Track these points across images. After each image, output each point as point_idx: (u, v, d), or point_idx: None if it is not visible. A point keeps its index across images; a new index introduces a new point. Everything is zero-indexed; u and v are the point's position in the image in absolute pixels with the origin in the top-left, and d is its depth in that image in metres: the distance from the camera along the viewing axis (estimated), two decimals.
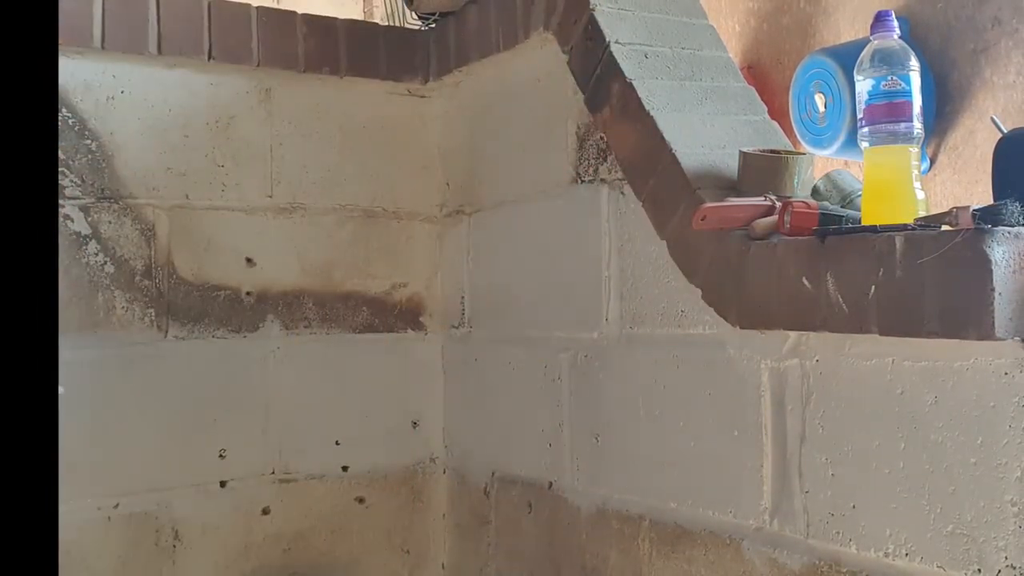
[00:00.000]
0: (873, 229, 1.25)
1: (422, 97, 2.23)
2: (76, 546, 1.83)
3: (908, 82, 1.35)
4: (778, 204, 1.41)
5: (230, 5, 2.00)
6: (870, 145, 1.38)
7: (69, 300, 1.86)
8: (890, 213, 1.32)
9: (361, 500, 2.13)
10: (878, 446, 1.28)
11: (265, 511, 2.03)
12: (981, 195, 2.23)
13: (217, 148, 2.02)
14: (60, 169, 1.85)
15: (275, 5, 2.70)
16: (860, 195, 1.47)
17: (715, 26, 1.82)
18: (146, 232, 1.94)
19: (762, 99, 1.76)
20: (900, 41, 1.37)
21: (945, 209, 1.22)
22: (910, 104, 1.35)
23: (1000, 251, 1.10)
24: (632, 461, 1.69)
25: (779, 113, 2.36)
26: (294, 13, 2.09)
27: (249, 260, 2.04)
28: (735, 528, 1.49)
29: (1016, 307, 1.10)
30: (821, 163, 2.44)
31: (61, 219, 1.85)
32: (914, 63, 1.36)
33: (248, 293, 2.04)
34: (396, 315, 2.19)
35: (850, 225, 1.34)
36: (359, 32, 2.15)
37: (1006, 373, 1.13)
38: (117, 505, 1.89)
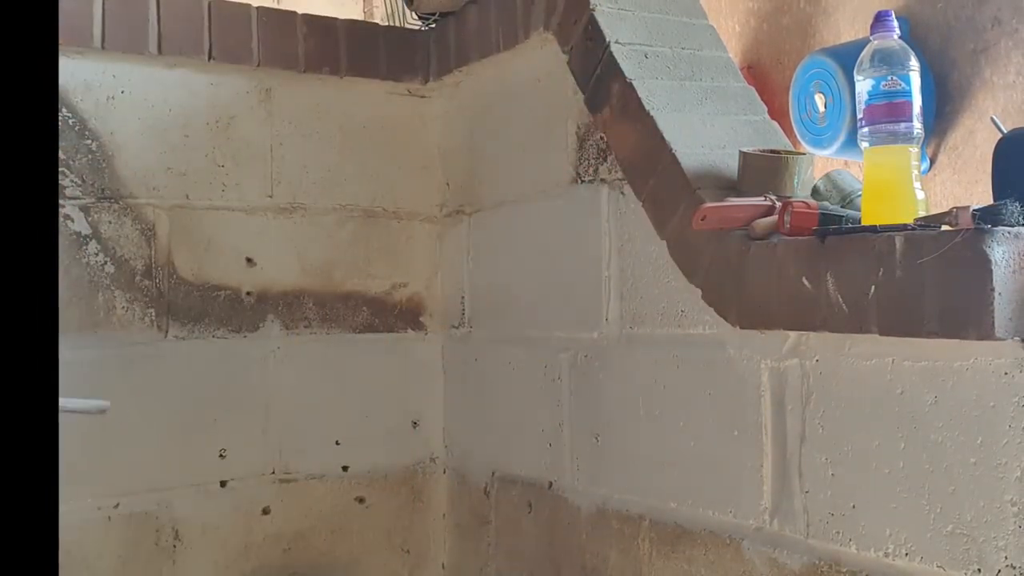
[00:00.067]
0: (873, 229, 1.25)
1: (422, 97, 2.23)
2: (76, 546, 1.83)
3: (908, 82, 1.35)
4: (778, 204, 1.41)
5: (230, 5, 2.00)
6: (870, 145, 1.38)
7: (69, 300, 1.86)
8: (890, 213, 1.32)
9: (361, 500, 2.13)
10: (878, 446, 1.28)
11: (265, 511, 2.03)
12: (981, 195, 2.23)
13: (217, 148, 2.02)
14: (60, 169, 1.85)
15: (275, 5, 2.70)
16: (860, 195, 1.47)
17: (715, 26, 1.82)
18: (146, 232, 1.94)
19: (762, 99, 1.76)
20: (900, 41, 1.37)
21: (945, 209, 1.22)
22: (910, 104, 1.35)
23: (1000, 251, 1.10)
24: (632, 461, 1.69)
25: (779, 113, 2.36)
26: (294, 13, 2.09)
27: (249, 260, 2.04)
28: (735, 528, 1.49)
29: (1016, 307, 1.10)
30: (821, 163, 2.44)
31: (61, 219, 1.85)
32: (914, 63, 1.36)
33: (248, 293, 2.04)
34: (396, 315, 2.19)
35: (850, 225, 1.34)
36: (359, 32, 2.15)
37: (1006, 373, 1.13)
38: (117, 505, 1.89)
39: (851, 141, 2.36)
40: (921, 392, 1.23)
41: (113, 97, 1.92)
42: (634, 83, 1.64)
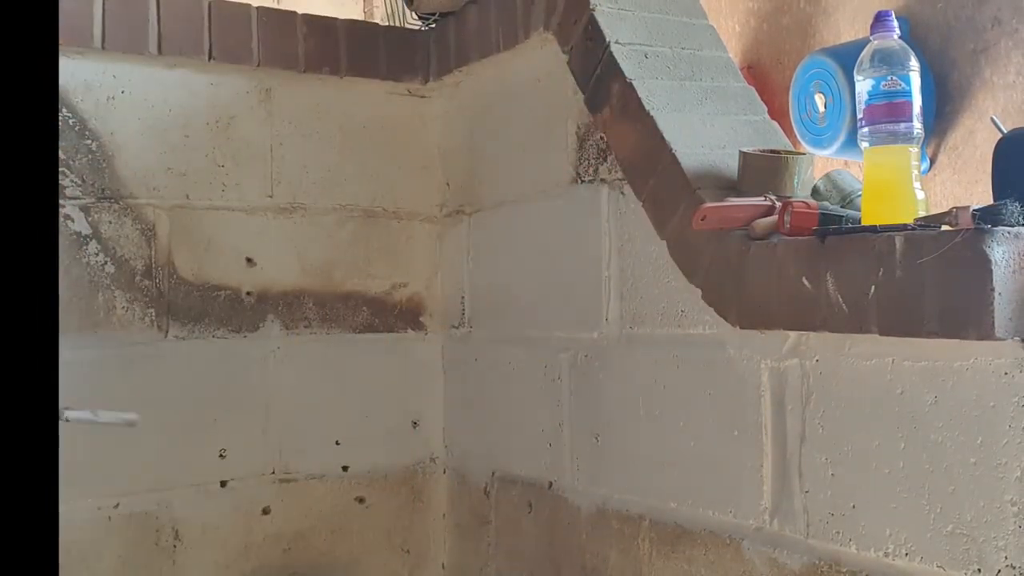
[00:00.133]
0: (873, 229, 1.25)
1: (422, 97, 2.23)
2: (76, 546, 1.83)
3: (908, 82, 1.35)
4: (778, 204, 1.41)
5: (230, 5, 2.00)
6: (870, 145, 1.38)
7: (69, 300, 1.86)
8: (890, 213, 1.32)
9: (361, 500, 2.13)
10: (878, 446, 1.28)
11: (265, 511, 2.03)
12: (981, 195, 2.23)
13: (217, 148, 2.02)
14: (61, 169, 1.85)
15: (275, 5, 2.70)
16: (860, 195, 1.47)
17: (715, 26, 1.82)
18: (146, 232, 1.94)
19: (762, 99, 1.76)
20: (900, 41, 1.37)
21: (945, 209, 1.22)
22: (910, 104, 1.35)
23: (1000, 251, 1.10)
24: (632, 461, 1.69)
25: (779, 113, 2.36)
26: (294, 13, 2.09)
27: (249, 260, 2.04)
28: (735, 528, 1.49)
29: (1016, 307, 1.10)
30: (821, 163, 2.44)
31: (61, 219, 1.85)
32: (914, 63, 1.36)
33: (248, 293, 2.04)
34: (396, 315, 2.19)
35: (850, 225, 1.34)
36: (359, 32, 2.15)
37: (1006, 373, 1.13)
38: (117, 505, 1.89)
39: (851, 141, 2.36)
40: (921, 392, 1.23)
41: (113, 97, 1.92)
42: (634, 83, 1.64)
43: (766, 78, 2.88)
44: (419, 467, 2.20)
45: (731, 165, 1.57)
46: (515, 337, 1.99)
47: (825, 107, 2.53)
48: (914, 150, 1.36)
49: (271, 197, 2.07)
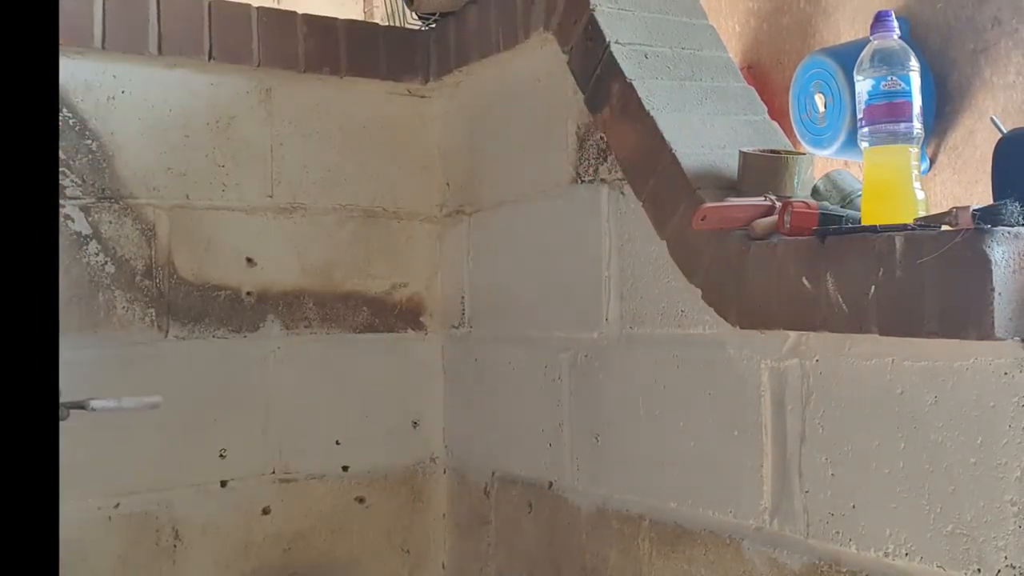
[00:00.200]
0: (873, 229, 1.25)
1: (422, 97, 2.23)
2: (76, 546, 1.83)
3: (908, 82, 1.35)
4: (778, 204, 1.41)
5: (230, 5, 2.00)
6: (870, 145, 1.38)
7: (69, 300, 1.86)
8: (890, 213, 1.32)
9: (361, 500, 2.13)
10: (878, 446, 1.28)
11: (265, 511, 2.03)
12: (981, 195, 2.23)
13: (217, 148, 2.02)
14: (61, 169, 1.85)
15: (275, 5, 2.70)
16: (860, 195, 1.47)
17: (715, 26, 1.82)
18: (147, 232, 1.94)
19: (762, 99, 1.76)
20: (900, 41, 1.37)
21: (945, 209, 1.22)
22: (910, 104, 1.35)
23: (1000, 251, 1.10)
24: (632, 461, 1.69)
25: (779, 113, 2.36)
26: (294, 13, 2.09)
27: (249, 260, 2.04)
28: (735, 528, 1.49)
29: (1016, 307, 1.10)
30: (821, 163, 2.44)
31: (62, 219, 1.85)
32: (914, 63, 1.36)
33: (248, 293, 2.04)
34: (396, 315, 2.19)
35: (850, 225, 1.34)
36: (359, 32, 2.15)
37: (1006, 373, 1.13)
38: (117, 505, 1.89)
39: (851, 141, 2.36)
40: (921, 392, 1.23)
41: (113, 97, 1.92)
42: (634, 83, 1.64)
43: (766, 78, 2.88)
44: (419, 467, 2.20)
45: (731, 165, 1.57)
46: (515, 337, 1.99)
47: (825, 107, 2.53)
48: (914, 150, 1.36)
49: (271, 197, 2.07)
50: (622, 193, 1.71)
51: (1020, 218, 1.15)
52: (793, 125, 2.62)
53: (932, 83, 2.42)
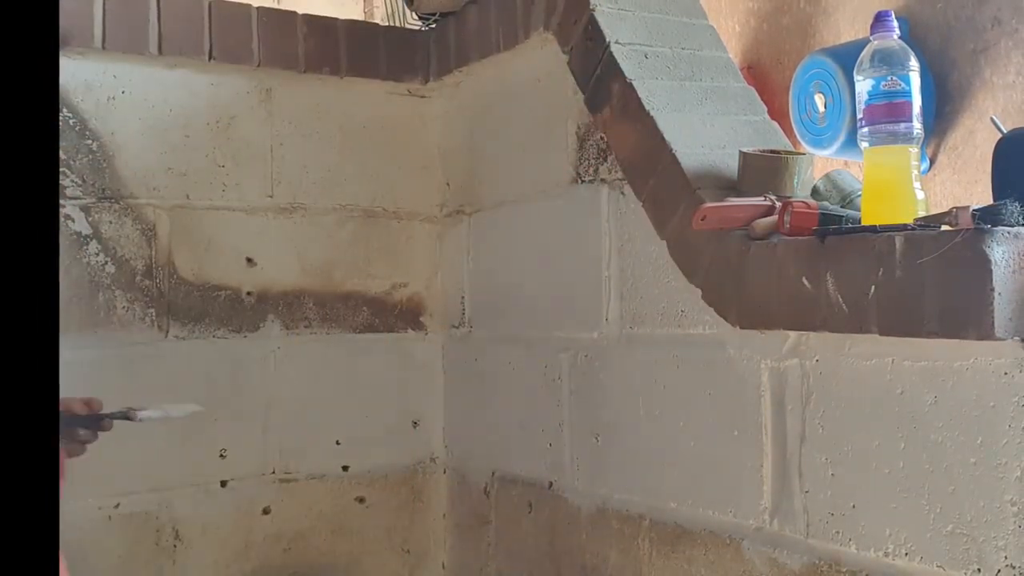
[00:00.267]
0: (873, 229, 1.25)
1: (422, 97, 2.23)
2: (76, 546, 1.83)
3: (908, 82, 1.35)
4: (778, 204, 1.41)
5: (230, 5, 2.00)
6: (870, 145, 1.38)
7: (70, 300, 1.86)
8: (890, 213, 1.32)
9: (361, 500, 2.13)
10: (878, 446, 1.28)
11: (265, 511, 2.03)
12: (981, 195, 2.23)
13: (217, 148, 2.02)
14: (61, 169, 1.85)
15: (275, 5, 2.70)
16: (860, 195, 1.47)
17: (715, 26, 1.82)
18: (147, 232, 1.94)
19: (762, 99, 1.76)
20: (900, 41, 1.37)
21: (945, 209, 1.22)
22: (910, 104, 1.35)
23: (1000, 251, 1.10)
24: (632, 461, 1.69)
25: (779, 113, 2.36)
26: (294, 13, 2.09)
27: (249, 260, 2.04)
28: (735, 528, 1.49)
29: (1016, 307, 1.10)
30: (821, 163, 2.44)
31: (62, 219, 1.85)
32: (914, 63, 1.36)
33: (248, 293, 2.04)
34: (396, 315, 2.19)
35: (850, 225, 1.34)
36: (359, 32, 2.15)
37: (1006, 373, 1.13)
38: (118, 505, 1.89)
39: (851, 141, 2.36)
40: (921, 392, 1.23)
41: (113, 97, 1.92)
42: (634, 83, 1.65)
43: (766, 78, 2.88)
44: (419, 467, 2.20)
45: (731, 165, 1.57)
46: (515, 337, 1.99)
47: (825, 107, 2.53)
48: (914, 150, 1.36)
49: (271, 197, 2.07)
50: (622, 193, 1.71)
51: (1020, 218, 1.15)
52: (793, 125, 2.62)
53: (932, 83, 2.42)
